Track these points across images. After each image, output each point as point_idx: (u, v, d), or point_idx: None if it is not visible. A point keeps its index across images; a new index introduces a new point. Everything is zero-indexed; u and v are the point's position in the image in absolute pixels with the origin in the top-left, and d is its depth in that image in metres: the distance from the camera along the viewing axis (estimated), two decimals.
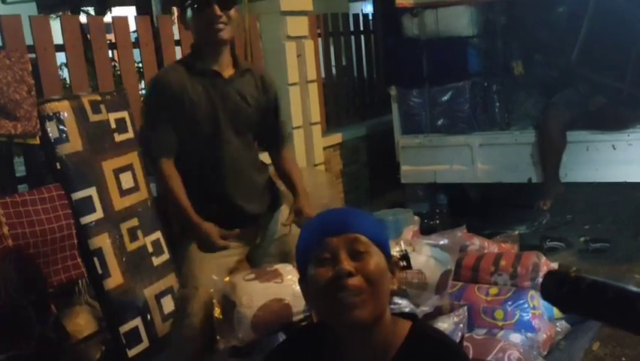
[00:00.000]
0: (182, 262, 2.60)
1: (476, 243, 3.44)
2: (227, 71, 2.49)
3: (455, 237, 3.47)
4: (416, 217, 4.13)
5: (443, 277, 2.75)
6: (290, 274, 2.45)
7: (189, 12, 2.43)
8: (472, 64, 5.06)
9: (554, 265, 3.33)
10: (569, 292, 0.93)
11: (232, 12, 2.42)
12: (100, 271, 3.26)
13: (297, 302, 2.40)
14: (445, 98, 5.02)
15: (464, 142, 4.99)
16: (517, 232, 3.98)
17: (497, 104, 5.10)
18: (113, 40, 3.91)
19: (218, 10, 2.36)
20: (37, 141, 3.16)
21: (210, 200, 2.51)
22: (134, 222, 3.46)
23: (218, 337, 2.37)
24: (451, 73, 5.01)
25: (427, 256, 2.69)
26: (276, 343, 2.34)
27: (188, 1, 2.41)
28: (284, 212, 2.67)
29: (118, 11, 7.62)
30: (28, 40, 3.42)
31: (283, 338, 2.29)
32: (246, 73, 2.55)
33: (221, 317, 2.41)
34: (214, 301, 2.44)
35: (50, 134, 3.20)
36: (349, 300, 1.32)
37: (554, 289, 0.95)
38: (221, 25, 2.38)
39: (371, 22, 6.36)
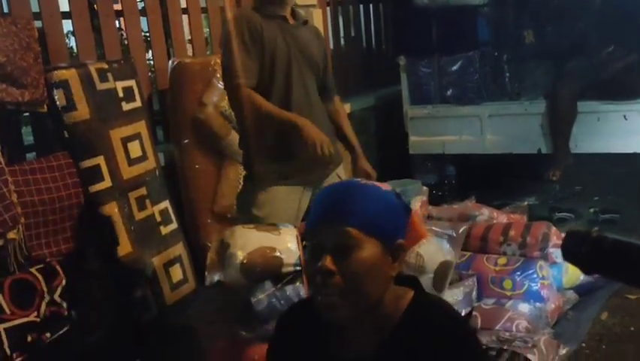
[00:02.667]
0: (247, 207, 2.68)
1: (485, 213, 3.43)
2: (291, 20, 2.68)
3: (466, 207, 3.47)
4: (424, 188, 4.11)
5: (442, 268, 2.64)
6: (288, 234, 2.51)
7: None
8: (482, 33, 5.00)
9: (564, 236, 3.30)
10: (590, 252, 0.91)
11: None
12: (109, 239, 3.27)
13: (289, 256, 2.46)
14: (455, 68, 4.97)
15: (473, 113, 4.95)
16: (526, 203, 3.96)
17: (507, 74, 5.05)
18: (120, 8, 3.87)
19: None
20: (45, 109, 3.15)
21: (277, 146, 2.61)
22: (142, 191, 3.46)
23: (206, 274, 2.46)
24: (460, 42, 4.95)
25: (427, 241, 2.64)
26: (261, 290, 2.42)
27: None
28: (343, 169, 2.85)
29: None
30: (34, 8, 3.39)
31: (269, 286, 2.43)
32: (306, 23, 2.75)
33: (215, 257, 2.49)
34: (210, 245, 2.55)
35: (58, 103, 3.19)
36: (326, 300, 1.28)
37: (575, 249, 0.93)
38: None
39: None
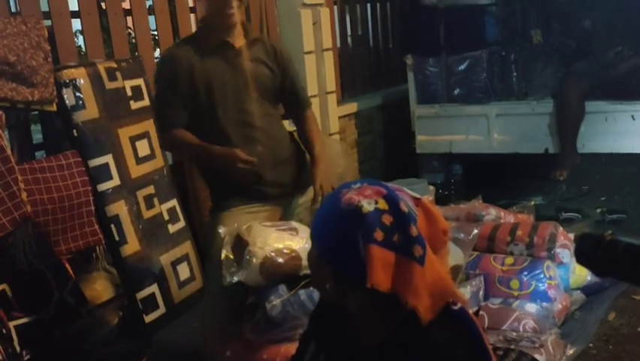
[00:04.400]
0: (212, 235, 2.57)
1: (492, 213, 3.43)
2: (239, 41, 2.54)
3: (472, 207, 3.47)
4: (431, 187, 4.12)
5: (452, 272, 2.59)
6: (305, 234, 2.43)
7: None
8: (489, 32, 5.00)
9: (571, 236, 3.30)
10: (604, 255, 0.90)
11: None
12: (117, 238, 3.28)
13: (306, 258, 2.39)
14: (462, 67, 4.97)
15: (481, 112, 4.95)
16: (533, 203, 3.95)
17: (515, 73, 5.05)
18: (128, 7, 3.88)
19: None
20: (54, 108, 3.16)
21: (229, 171, 2.49)
22: (150, 189, 3.48)
23: (224, 272, 2.38)
24: (468, 42, 4.95)
25: None
26: (276, 295, 2.38)
27: None
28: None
29: None
30: (44, 7, 3.40)
31: (283, 290, 2.38)
32: (257, 42, 2.60)
33: (231, 256, 2.41)
34: (225, 241, 2.45)
35: (67, 101, 3.20)
36: None
37: (589, 253, 0.92)
38: (231, 11, 2.45)
39: None
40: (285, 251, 2.39)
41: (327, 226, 1.26)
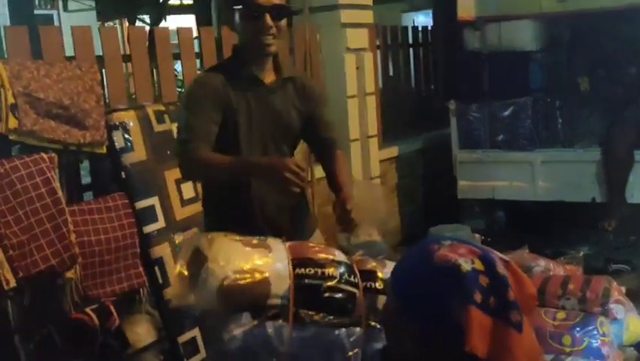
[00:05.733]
0: None
1: (541, 264, 3.34)
2: (269, 77, 2.36)
3: (521, 257, 3.39)
4: (477, 235, 4.05)
5: None
6: (280, 251, 2.06)
7: (237, 16, 2.27)
8: (534, 79, 4.98)
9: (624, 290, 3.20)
10: None
11: (283, 22, 2.28)
12: (160, 281, 3.28)
13: (278, 284, 1.98)
14: (506, 113, 4.95)
15: (525, 159, 4.90)
16: (582, 254, 3.85)
17: (560, 120, 4.99)
18: (177, 51, 3.95)
19: (269, 21, 2.22)
20: (104, 150, 3.21)
21: (235, 209, 2.35)
22: (194, 232, 3.48)
23: (168, 290, 2.10)
24: (512, 88, 4.93)
25: None
26: (237, 323, 1.95)
27: (239, 6, 2.25)
28: (317, 238, 2.54)
29: (173, 20, 7.73)
30: (97, 51, 3.48)
31: (247, 319, 1.95)
32: (289, 81, 2.41)
33: (185, 272, 1.98)
34: (180, 254, 2.12)
35: (116, 144, 3.25)
36: None
37: None
38: (270, 38, 2.25)
39: (430, 34, 6.30)
40: (253, 273, 1.97)
41: (416, 281, 1.20)
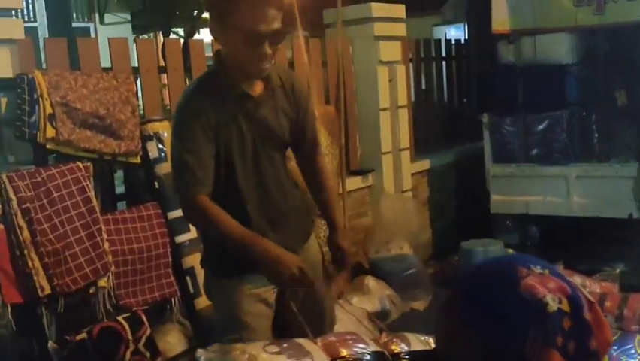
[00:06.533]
0: (216, 302, 2.37)
1: (577, 281, 3.26)
2: (258, 88, 2.21)
3: None
4: (510, 251, 3.99)
5: None
6: (317, 352, 2.08)
7: (233, 37, 2.07)
8: (570, 92, 4.90)
9: None
10: None
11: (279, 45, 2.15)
12: (192, 290, 3.30)
13: None
14: (541, 127, 4.87)
15: (560, 173, 4.81)
16: (618, 271, 3.78)
17: (596, 134, 4.90)
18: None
19: (268, 49, 2.08)
20: (138, 160, 3.24)
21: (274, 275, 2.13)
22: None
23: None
24: (547, 101, 4.86)
25: None
26: None
27: (237, 27, 2.04)
28: (311, 245, 2.43)
29: (206, 33, 7.81)
30: (133, 62, 3.53)
31: None
32: (277, 87, 2.26)
33: None
34: None
35: (150, 154, 3.29)
36: None
37: None
38: (266, 64, 2.12)
39: (463, 47, 6.26)
40: None
41: (495, 302, 1.11)
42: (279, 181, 2.28)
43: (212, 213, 2.06)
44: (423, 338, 2.49)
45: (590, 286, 3.29)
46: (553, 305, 1.07)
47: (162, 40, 8.62)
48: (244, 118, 2.17)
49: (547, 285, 1.09)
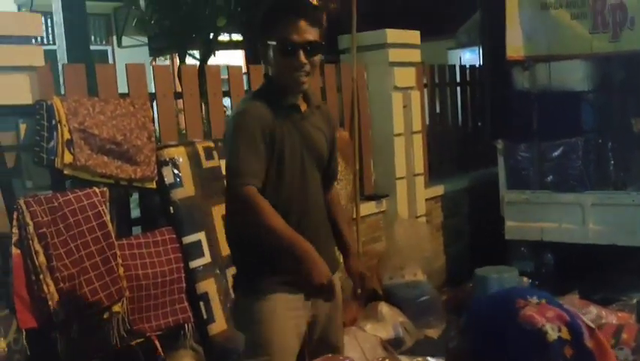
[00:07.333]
0: (247, 324, 2.35)
1: (593, 311, 3.25)
2: (303, 106, 2.36)
3: (571, 303, 3.30)
4: (525, 279, 3.96)
5: None
6: None
7: (271, 51, 2.26)
8: (585, 119, 4.89)
9: None
10: None
11: (316, 58, 2.28)
12: (205, 316, 3.29)
13: None
14: (556, 153, 4.85)
15: (575, 200, 4.78)
16: (635, 301, 3.73)
17: (612, 161, 4.87)
18: (227, 89, 4.02)
19: (303, 58, 2.22)
20: (154, 186, 3.26)
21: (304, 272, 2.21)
22: None
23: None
24: (562, 128, 4.84)
25: None
26: None
27: (273, 42, 2.24)
28: (336, 281, 2.44)
29: (222, 55, 7.88)
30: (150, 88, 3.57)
31: None
32: (317, 108, 2.42)
33: None
34: None
35: (166, 179, 3.30)
36: None
37: None
38: (303, 75, 2.25)
39: (477, 73, 6.27)
40: None
41: (496, 335, 1.13)
42: (319, 200, 2.40)
43: (263, 205, 2.17)
44: None
45: (606, 317, 3.25)
46: (552, 334, 1.08)
47: (178, 63, 8.72)
48: (294, 128, 2.30)
49: (545, 314, 1.11)
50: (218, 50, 9.20)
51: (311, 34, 2.23)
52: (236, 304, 2.48)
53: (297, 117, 2.31)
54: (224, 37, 8.77)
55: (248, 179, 2.17)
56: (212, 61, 8.39)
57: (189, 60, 8.60)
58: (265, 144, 2.22)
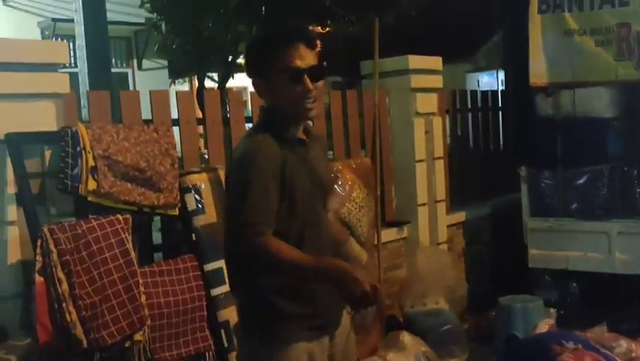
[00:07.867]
0: None
1: (623, 345, 3.17)
2: (304, 136, 2.27)
3: (600, 336, 3.22)
4: (552, 310, 3.88)
5: None
6: None
7: (273, 82, 2.16)
8: (611, 146, 4.83)
9: None
10: None
11: (320, 84, 2.19)
12: (226, 345, 3.26)
13: None
14: (581, 181, 4.79)
15: (601, 229, 4.71)
16: None
17: (638, 190, 4.78)
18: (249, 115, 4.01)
19: (309, 84, 2.13)
20: (177, 213, 3.25)
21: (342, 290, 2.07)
22: None
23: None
24: (587, 155, 4.79)
25: None
26: None
27: (276, 70, 2.14)
28: (345, 321, 2.36)
29: (240, 77, 7.91)
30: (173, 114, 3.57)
31: None
32: (316, 139, 2.34)
33: None
34: None
35: (188, 206, 3.29)
36: None
37: None
38: (311, 102, 2.15)
39: (499, 98, 6.23)
40: None
41: None
42: (330, 234, 2.34)
43: (278, 247, 2.03)
44: None
45: (635, 351, 3.16)
46: None
47: (197, 85, 8.74)
48: (300, 163, 2.19)
49: (581, 360, 1.07)
50: (236, 72, 9.24)
51: (312, 58, 2.16)
52: (249, 355, 2.26)
53: (302, 151, 2.22)
54: (242, 59, 8.84)
55: (261, 227, 2.03)
56: (230, 83, 8.44)
57: (208, 82, 8.66)
58: (277, 183, 2.10)
